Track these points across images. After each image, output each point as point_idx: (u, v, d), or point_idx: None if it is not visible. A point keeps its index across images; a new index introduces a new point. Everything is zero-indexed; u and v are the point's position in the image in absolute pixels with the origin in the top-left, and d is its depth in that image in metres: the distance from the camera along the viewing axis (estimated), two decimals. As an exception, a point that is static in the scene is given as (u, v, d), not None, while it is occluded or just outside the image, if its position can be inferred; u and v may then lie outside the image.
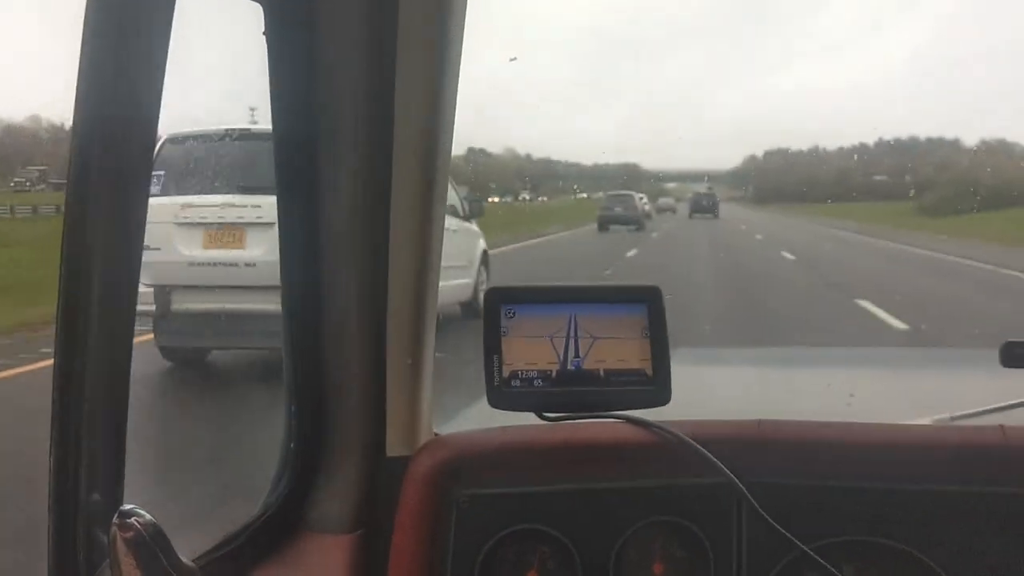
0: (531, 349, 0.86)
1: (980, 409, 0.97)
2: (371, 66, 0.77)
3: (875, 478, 0.84)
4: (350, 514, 0.86)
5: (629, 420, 0.88)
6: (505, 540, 0.87)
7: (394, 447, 0.89)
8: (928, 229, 26.66)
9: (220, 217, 5.18)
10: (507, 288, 0.88)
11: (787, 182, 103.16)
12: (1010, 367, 0.93)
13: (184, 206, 5.08)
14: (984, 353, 1.05)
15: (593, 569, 0.86)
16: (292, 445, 0.86)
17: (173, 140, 5.12)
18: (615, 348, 0.87)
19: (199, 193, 5.16)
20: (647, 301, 0.88)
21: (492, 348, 0.85)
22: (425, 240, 0.84)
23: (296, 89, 0.77)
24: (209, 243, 5.21)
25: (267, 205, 5.07)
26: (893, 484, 0.84)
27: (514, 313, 0.86)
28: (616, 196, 29.62)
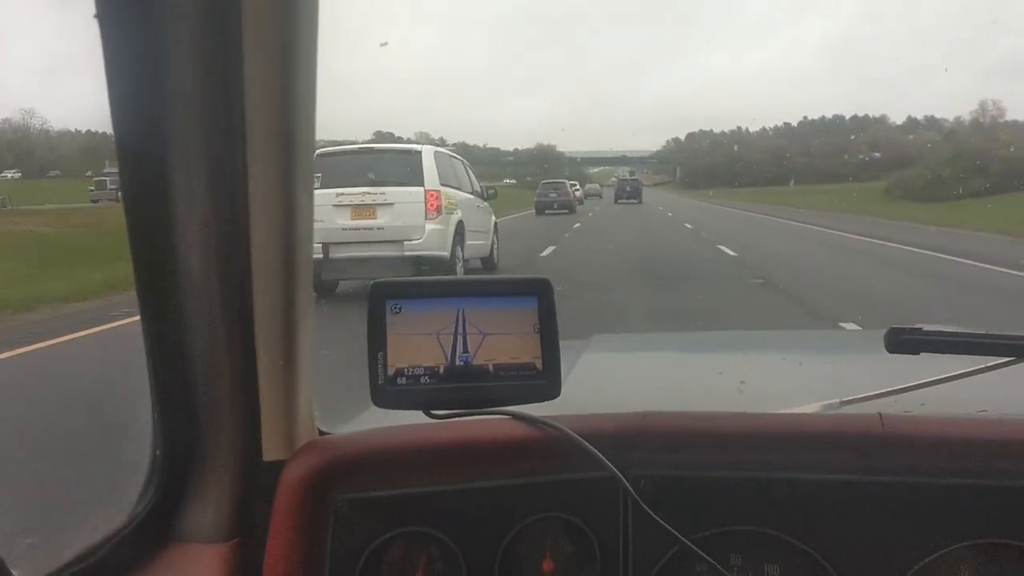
0: (418, 345, 0.83)
1: (868, 394, 0.96)
2: (216, 52, 0.72)
3: (758, 467, 0.84)
4: (224, 522, 0.82)
5: (515, 416, 0.87)
6: (388, 544, 0.84)
7: (271, 451, 0.84)
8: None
9: (360, 200, 8.66)
10: (392, 282, 0.84)
11: (718, 163, 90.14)
12: (894, 353, 0.91)
13: (338, 194, 8.57)
14: (875, 335, 0.99)
15: (480, 569, 0.85)
16: (158, 452, 0.82)
17: (322, 154, 8.79)
18: (505, 343, 0.85)
19: (348, 187, 8.66)
20: (537, 294, 0.86)
21: (376, 345, 0.82)
22: (291, 237, 0.79)
23: (135, 79, 0.71)
24: (354, 216, 8.71)
25: (388, 193, 8.59)
26: (776, 473, 0.84)
27: (400, 308, 0.83)
28: (550, 184, 35.31)
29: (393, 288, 0.84)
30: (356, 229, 8.64)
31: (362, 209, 8.69)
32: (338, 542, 0.84)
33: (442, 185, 9.28)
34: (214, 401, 0.82)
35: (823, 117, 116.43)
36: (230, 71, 0.73)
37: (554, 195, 34.11)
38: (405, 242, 8.70)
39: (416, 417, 0.87)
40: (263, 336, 0.81)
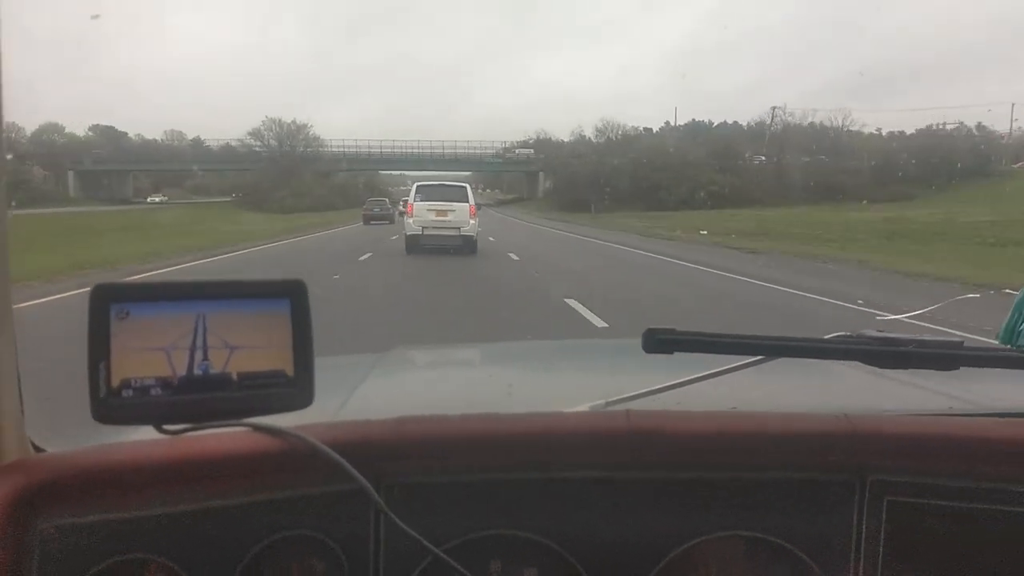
0: (149, 354, 0.74)
1: (631, 394, 0.98)
2: None
3: (512, 469, 0.84)
4: None
5: (256, 427, 0.80)
6: (105, 574, 0.76)
7: None
8: None
9: (440, 208, 19.00)
10: (118, 284, 0.74)
11: (618, 171, 59.75)
12: (650, 352, 0.93)
13: (429, 204, 18.94)
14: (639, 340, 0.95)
15: None
16: None
17: (422, 183, 20.08)
18: (251, 348, 0.77)
19: (434, 200, 19.03)
20: (290, 296, 0.79)
21: (97, 355, 0.73)
22: None
23: None
24: (436, 215, 18.95)
25: (453, 205, 19.38)
26: (529, 474, 0.84)
27: (127, 313, 0.74)
28: (376, 201, 48.89)
29: (119, 291, 0.74)
30: (438, 220, 18.84)
31: (441, 212, 18.90)
32: (45, 572, 0.75)
33: (475, 202, 19.63)
34: None
35: (693, 120, 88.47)
36: None
37: (378, 210, 47.40)
38: (461, 228, 18.80)
39: (152, 433, 0.78)
40: None
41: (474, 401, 1.29)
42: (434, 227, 18.81)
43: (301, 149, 79.12)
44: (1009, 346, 0.93)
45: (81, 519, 0.76)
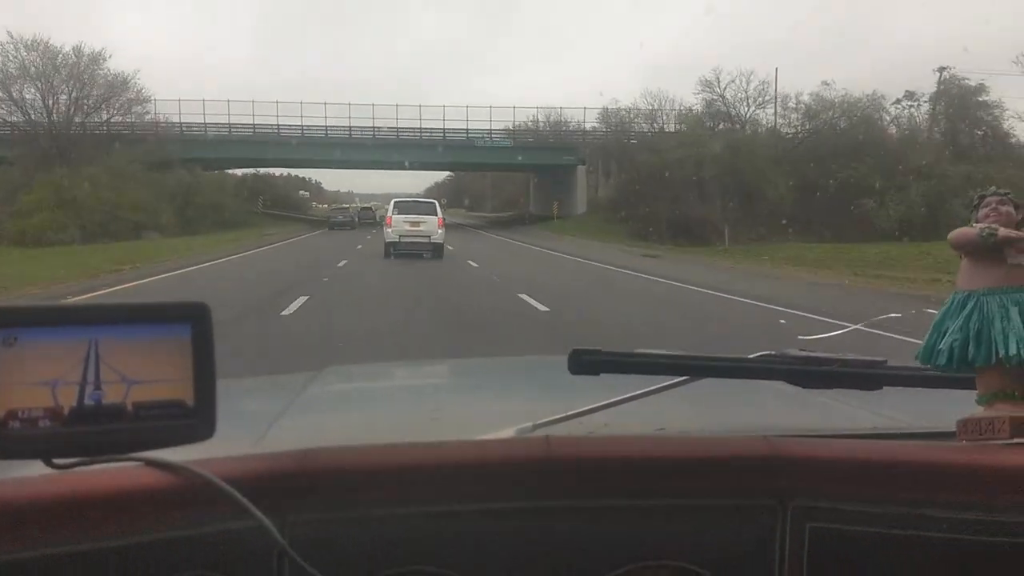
0: (38, 383, 0.70)
1: (558, 416, 0.96)
2: None
3: (424, 501, 0.79)
4: None
5: (149, 462, 0.76)
6: None
7: None
8: None
9: (414, 220, 23.26)
10: (5, 308, 0.71)
11: (759, 167, 31.73)
12: (576, 374, 0.93)
13: (405, 216, 23.30)
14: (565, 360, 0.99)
15: None
16: None
17: (399, 200, 25.04)
18: (149, 376, 0.73)
19: (409, 213, 23.50)
20: (191, 320, 0.74)
21: None
22: None
23: None
24: (410, 226, 23.16)
25: (424, 217, 23.98)
26: (442, 506, 0.79)
27: (15, 339, 0.69)
28: (339, 208, 53.01)
29: (6, 315, 0.70)
30: (411, 230, 22.87)
31: (414, 223, 22.94)
32: None
33: (443, 215, 23.91)
34: None
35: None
36: None
37: (341, 217, 52.35)
38: (431, 236, 22.78)
39: (41, 468, 0.73)
40: None
41: (398, 427, 1.29)
42: (409, 236, 23.01)
43: (94, 111, 38.33)
44: (929, 365, 0.93)
45: None
